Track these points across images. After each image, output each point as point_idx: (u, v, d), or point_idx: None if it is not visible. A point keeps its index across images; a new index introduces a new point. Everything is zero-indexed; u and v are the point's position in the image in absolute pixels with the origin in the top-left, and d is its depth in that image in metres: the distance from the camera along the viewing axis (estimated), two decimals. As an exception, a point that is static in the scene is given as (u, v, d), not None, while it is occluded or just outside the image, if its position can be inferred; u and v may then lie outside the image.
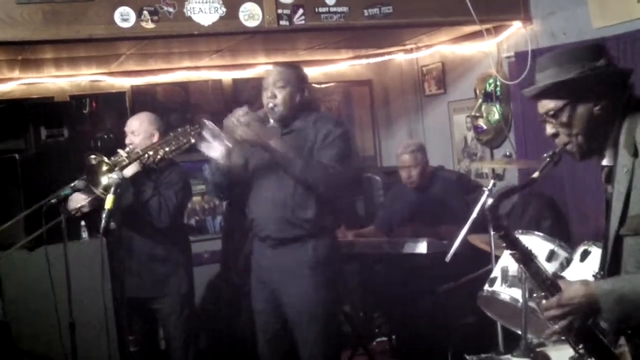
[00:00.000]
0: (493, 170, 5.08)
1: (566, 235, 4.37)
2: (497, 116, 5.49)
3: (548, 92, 2.18)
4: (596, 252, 3.20)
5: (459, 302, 4.45)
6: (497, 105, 5.47)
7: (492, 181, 3.98)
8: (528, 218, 4.68)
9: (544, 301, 2.21)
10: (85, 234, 5.06)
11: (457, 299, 4.47)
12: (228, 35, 4.65)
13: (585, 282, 2.17)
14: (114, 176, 3.58)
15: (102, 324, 4.14)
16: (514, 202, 5.16)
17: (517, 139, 5.24)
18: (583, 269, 3.20)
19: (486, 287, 3.64)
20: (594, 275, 2.28)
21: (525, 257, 2.30)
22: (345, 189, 4.25)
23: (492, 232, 4.03)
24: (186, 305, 4.17)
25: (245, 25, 4.39)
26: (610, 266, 2.18)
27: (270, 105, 3.64)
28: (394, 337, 5.28)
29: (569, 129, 2.16)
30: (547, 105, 2.20)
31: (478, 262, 4.31)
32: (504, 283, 3.52)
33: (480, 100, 5.62)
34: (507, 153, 4.72)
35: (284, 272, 3.62)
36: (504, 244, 2.33)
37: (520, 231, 3.73)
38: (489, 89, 5.54)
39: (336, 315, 4.03)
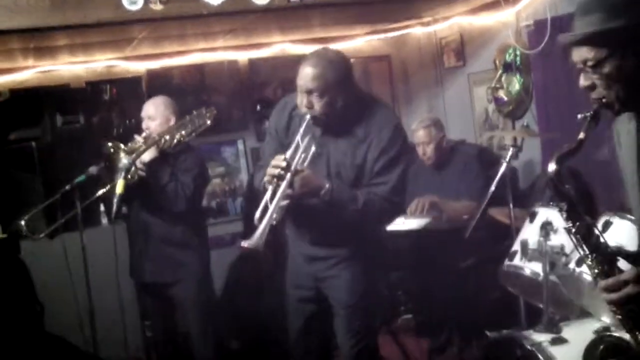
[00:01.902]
0: (515, 141, 5.00)
1: (592, 208, 4.26)
2: (517, 87, 5.38)
3: (592, 40, 1.92)
4: (618, 224, 3.09)
5: (483, 277, 4.36)
6: (518, 76, 5.35)
7: (511, 150, 3.88)
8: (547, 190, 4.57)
9: (605, 280, 1.95)
10: (105, 220, 5.06)
11: (481, 274, 4.39)
12: (239, 14, 4.58)
13: None
14: (125, 161, 3.55)
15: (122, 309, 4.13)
16: (537, 174, 5.06)
17: (539, 109, 5.12)
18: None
19: (506, 261, 3.56)
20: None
21: (589, 229, 2.02)
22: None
23: (511, 205, 3.97)
24: (203, 291, 4.13)
25: (254, 3, 4.31)
26: None
27: (308, 116, 3.10)
28: (417, 315, 5.22)
29: (610, 82, 1.93)
30: (586, 54, 1.93)
31: (500, 236, 4.24)
32: (524, 257, 3.44)
33: (500, 72, 5.51)
34: (525, 124, 4.57)
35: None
36: (565, 215, 2.04)
37: (540, 204, 3.65)
38: (509, 59, 5.42)
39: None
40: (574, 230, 2.04)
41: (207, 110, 3.96)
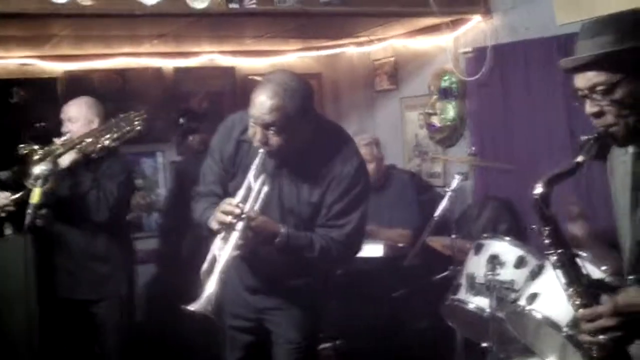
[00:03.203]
0: (444, 169, 4.89)
1: (523, 240, 4.20)
2: (452, 114, 5.28)
3: (602, 63, 1.81)
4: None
5: (414, 307, 4.21)
6: (453, 103, 5.25)
7: (456, 178, 3.75)
8: (484, 221, 4.48)
9: (582, 310, 1.89)
10: (9, 230, 4.67)
11: (413, 303, 4.24)
12: (173, 18, 4.30)
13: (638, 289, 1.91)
14: (43, 167, 3.22)
15: (26, 328, 3.77)
16: (468, 204, 4.96)
17: (474, 137, 5.03)
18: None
19: (450, 295, 3.41)
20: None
21: (571, 259, 1.94)
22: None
23: (453, 235, 3.84)
24: (125, 311, 3.84)
25: (191, 7, 4.05)
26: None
27: (262, 151, 2.73)
28: (337, 342, 5.01)
29: (620, 109, 1.82)
30: (595, 78, 1.82)
31: (434, 265, 4.11)
32: (469, 291, 3.29)
33: (434, 97, 5.40)
34: (472, 150, 4.43)
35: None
36: (548, 241, 1.94)
37: (485, 235, 3.54)
38: (445, 85, 5.32)
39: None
40: (555, 258, 1.95)
41: (135, 115, 3.64)
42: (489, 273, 3.20)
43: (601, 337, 1.85)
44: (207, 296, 2.52)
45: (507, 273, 3.20)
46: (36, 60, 5.43)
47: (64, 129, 3.77)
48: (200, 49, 5.84)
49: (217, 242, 2.68)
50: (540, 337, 2.99)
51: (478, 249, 3.42)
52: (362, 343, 4.55)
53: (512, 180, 4.48)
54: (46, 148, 3.47)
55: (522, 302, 2.98)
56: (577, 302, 1.92)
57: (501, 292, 3.15)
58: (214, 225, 2.70)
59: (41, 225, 3.73)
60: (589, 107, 1.88)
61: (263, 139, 2.69)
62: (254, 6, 4.22)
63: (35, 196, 3.14)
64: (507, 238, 3.43)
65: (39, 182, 3.16)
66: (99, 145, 3.58)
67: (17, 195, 3.45)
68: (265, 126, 2.67)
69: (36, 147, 3.43)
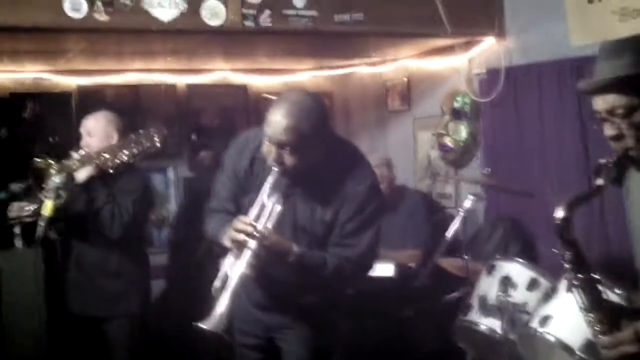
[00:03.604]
0: (456, 190, 4.84)
1: (534, 262, 4.17)
2: (464, 135, 5.26)
3: (622, 85, 1.79)
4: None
5: (425, 327, 4.18)
6: (466, 123, 5.24)
7: (470, 198, 3.72)
8: (496, 242, 4.46)
9: (603, 337, 1.87)
10: (19, 243, 4.67)
11: (423, 324, 4.20)
12: (187, 35, 4.31)
13: None
14: (57, 180, 3.21)
15: (36, 343, 3.75)
16: (480, 225, 4.94)
17: (486, 158, 5.01)
18: (571, 299, 2.95)
19: (461, 316, 3.38)
20: None
21: (592, 284, 1.91)
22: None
23: (465, 256, 3.82)
24: (137, 329, 3.76)
25: (207, 24, 4.07)
26: None
27: (276, 170, 2.72)
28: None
29: (636, 132, 1.80)
30: (615, 101, 1.81)
31: (444, 287, 4.08)
32: (480, 312, 3.27)
33: (447, 118, 5.39)
34: (486, 170, 4.41)
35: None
36: (570, 266, 1.92)
37: (497, 257, 3.51)
38: (457, 106, 5.31)
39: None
40: (576, 283, 1.92)
41: (154, 131, 3.61)
42: (501, 294, 3.17)
43: None
44: (219, 314, 2.49)
45: (519, 295, 3.17)
46: (50, 74, 5.47)
47: (82, 142, 3.72)
48: (213, 66, 5.86)
49: (230, 259, 2.66)
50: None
51: (490, 270, 3.39)
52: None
53: (524, 201, 4.45)
54: (63, 162, 3.44)
55: (534, 324, 2.95)
56: (598, 328, 1.89)
57: (513, 313, 3.12)
58: (227, 242, 2.68)
59: (53, 238, 3.74)
60: (608, 130, 1.86)
61: (278, 159, 2.68)
62: (269, 24, 4.25)
63: (48, 209, 3.13)
64: (520, 260, 3.40)
65: (52, 195, 3.15)
66: (117, 161, 3.52)
67: (33, 207, 3.44)
68: (280, 145, 2.66)
69: (52, 160, 3.40)
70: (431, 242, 4.45)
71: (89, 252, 3.70)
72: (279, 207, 2.71)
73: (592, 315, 1.90)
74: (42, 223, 3.13)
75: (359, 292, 4.05)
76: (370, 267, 2.96)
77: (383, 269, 4.22)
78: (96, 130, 3.74)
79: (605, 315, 1.88)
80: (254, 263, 2.60)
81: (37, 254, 3.50)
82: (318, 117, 2.71)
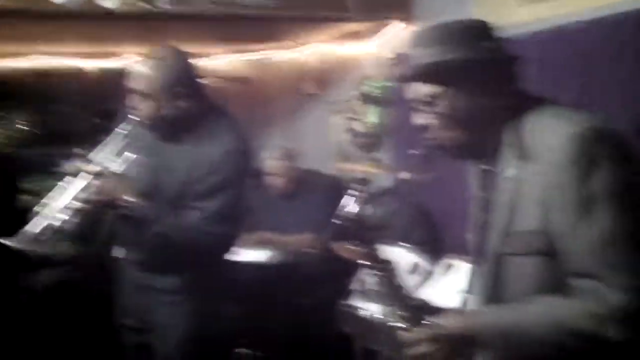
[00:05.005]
0: (368, 174, 4.81)
1: (439, 247, 4.18)
2: (375, 119, 5.26)
3: (427, 74, 1.76)
4: (461, 267, 2.97)
5: (322, 314, 4.16)
6: (376, 108, 5.24)
7: (374, 183, 3.71)
8: (398, 227, 4.46)
9: (403, 334, 1.86)
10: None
11: (321, 312, 4.18)
12: (88, 19, 4.20)
13: (462, 312, 1.88)
14: None
15: None
16: (384, 210, 4.94)
17: (396, 143, 5.01)
18: (445, 284, 2.97)
19: (344, 301, 3.37)
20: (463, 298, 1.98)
21: (387, 276, 1.98)
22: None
23: (357, 241, 3.79)
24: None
25: (100, 6, 3.97)
26: (489, 289, 1.80)
27: (132, 117, 2.86)
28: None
29: (446, 122, 1.78)
30: (421, 89, 1.77)
31: (343, 273, 4.06)
32: (361, 296, 3.26)
33: (358, 102, 5.39)
34: (384, 157, 4.42)
35: None
36: (362, 259, 2.01)
37: (384, 241, 3.49)
38: (368, 90, 5.30)
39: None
40: (378, 276, 2.00)
41: (20, 117, 3.47)
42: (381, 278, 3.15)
43: None
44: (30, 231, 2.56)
45: (399, 279, 3.15)
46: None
47: None
48: (123, 50, 5.75)
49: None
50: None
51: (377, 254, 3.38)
52: (270, 351, 4.50)
53: (429, 188, 4.45)
54: None
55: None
56: (399, 326, 1.89)
57: (399, 297, 3.11)
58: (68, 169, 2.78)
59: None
60: (418, 119, 1.83)
61: (134, 105, 2.81)
62: (168, 7, 4.17)
63: None
64: (405, 244, 3.40)
65: None
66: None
67: None
68: (135, 92, 2.81)
69: None
70: (345, 228, 4.42)
71: None
72: (130, 154, 2.79)
73: (394, 310, 1.92)
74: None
75: (254, 279, 4.05)
76: (220, 237, 2.90)
77: (257, 255, 4.21)
78: None
79: (407, 312, 1.89)
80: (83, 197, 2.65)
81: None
82: (174, 68, 2.83)
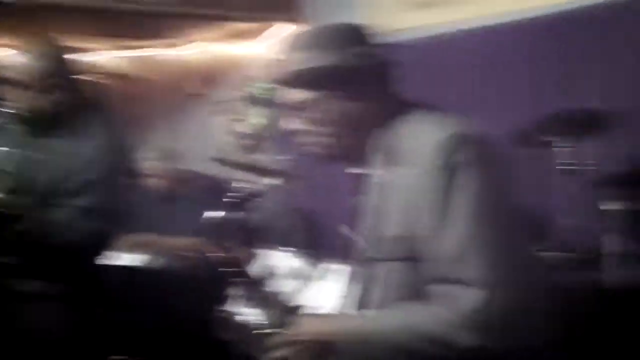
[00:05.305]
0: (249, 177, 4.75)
1: (318, 251, 4.19)
2: (260, 121, 5.21)
3: (297, 80, 1.76)
4: (340, 272, 2.96)
5: (197, 320, 4.09)
6: (260, 110, 5.19)
7: (238, 188, 3.64)
8: (279, 231, 4.45)
9: (270, 338, 1.87)
10: None
11: (196, 317, 4.11)
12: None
13: (321, 317, 1.90)
14: None
15: None
16: (265, 213, 4.91)
17: (282, 145, 4.99)
18: (324, 288, 2.96)
19: (221, 306, 3.31)
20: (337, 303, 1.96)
21: (251, 284, 2.00)
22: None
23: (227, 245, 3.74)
24: None
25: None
26: (361, 295, 1.79)
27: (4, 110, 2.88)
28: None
29: (318, 127, 1.77)
30: (294, 94, 1.77)
31: (221, 277, 4.00)
32: (239, 301, 3.20)
33: (244, 103, 5.33)
34: (266, 159, 4.40)
35: None
36: (226, 268, 2.01)
37: (263, 245, 3.47)
38: (254, 91, 5.25)
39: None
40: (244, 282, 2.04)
41: None
42: (261, 283, 3.13)
43: None
44: None
45: (279, 284, 3.13)
46: None
47: None
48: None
49: None
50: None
51: (252, 258, 3.35)
52: (146, 358, 4.39)
53: (310, 192, 4.46)
54: None
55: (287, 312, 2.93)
56: (266, 331, 1.90)
57: (271, 302, 3.09)
58: None
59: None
60: (290, 124, 1.82)
61: (8, 97, 2.77)
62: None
63: None
64: (284, 248, 3.39)
65: None
66: None
67: None
68: (21, 86, 2.74)
69: None
70: (217, 231, 4.35)
71: None
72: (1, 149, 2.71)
73: (268, 316, 1.95)
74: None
75: (126, 283, 3.93)
76: (90, 235, 2.79)
77: (133, 258, 4.11)
78: None
79: (278, 317, 1.93)
80: None
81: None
82: (55, 63, 2.80)
